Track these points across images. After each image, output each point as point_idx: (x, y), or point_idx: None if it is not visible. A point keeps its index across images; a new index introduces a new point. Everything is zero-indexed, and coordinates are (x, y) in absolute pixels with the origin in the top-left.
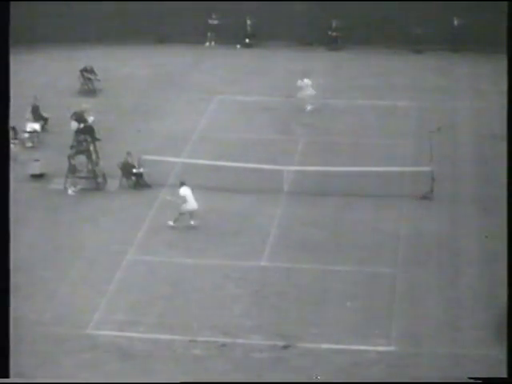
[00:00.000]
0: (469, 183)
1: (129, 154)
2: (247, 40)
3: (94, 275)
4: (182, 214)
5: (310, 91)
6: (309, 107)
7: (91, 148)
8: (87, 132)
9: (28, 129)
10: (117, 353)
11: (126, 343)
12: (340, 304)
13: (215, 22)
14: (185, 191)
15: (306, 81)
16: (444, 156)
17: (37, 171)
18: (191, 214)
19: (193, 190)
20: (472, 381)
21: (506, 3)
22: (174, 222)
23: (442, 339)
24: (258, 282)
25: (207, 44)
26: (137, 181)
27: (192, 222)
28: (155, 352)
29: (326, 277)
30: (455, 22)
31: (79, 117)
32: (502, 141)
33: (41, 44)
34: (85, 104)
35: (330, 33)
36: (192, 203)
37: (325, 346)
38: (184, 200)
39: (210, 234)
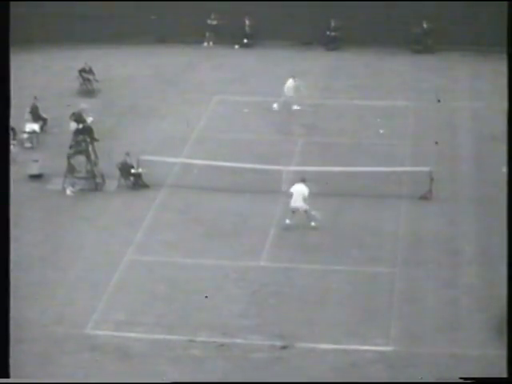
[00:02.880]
0: (468, 183)
1: (127, 154)
2: (246, 40)
3: (92, 275)
4: (292, 211)
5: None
6: (276, 105)
7: (90, 148)
8: (86, 132)
9: (27, 129)
10: (116, 353)
11: (124, 343)
12: (339, 304)
13: (214, 22)
14: (294, 188)
15: (291, 81)
16: (443, 156)
17: (35, 171)
18: (307, 214)
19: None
20: (468, 381)
21: (506, 3)
22: (314, 221)
23: (441, 339)
24: (257, 282)
25: (206, 44)
26: (135, 181)
27: (312, 223)
28: (154, 352)
29: (325, 277)
30: (424, 26)
31: (78, 117)
32: (502, 141)
33: (40, 44)
34: (83, 104)
35: (328, 33)
36: (293, 201)
37: (323, 345)
38: (290, 196)
39: (209, 234)
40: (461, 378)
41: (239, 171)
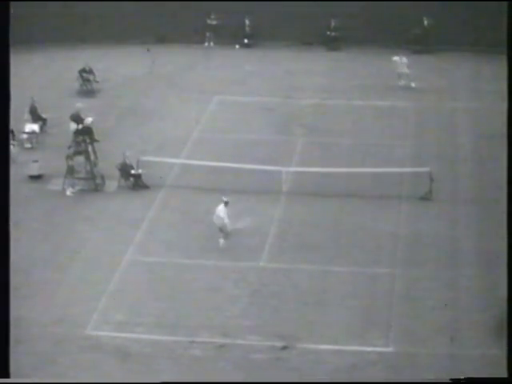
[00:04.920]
0: (468, 183)
1: (127, 154)
2: (246, 40)
3: (92, 276)
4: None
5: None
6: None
7: (90, 149)
8: (86, 133)
9: (26, 130)
10: (116, 353)
11: (125, 344)
12: (339, 304)
13: (214, 22)
14: (217, 208)
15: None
16: (443, 156)
17: (35, 172)
18: (223, 231)
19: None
20: (461, 381)
21: (506, 3)
22: (224, 239)
23: (440, 340)
24: (257, 283)
25: (206, 44)
26: (135, 182)
27: (221, 241)
28: (154, 353)
29: (325, 277)
30: (425, 23)
31: (76, 117)
32: (502, 141)
33: (40, 44)
34: (79, 104)
35: (329, 33)
36: (214, 219)
37: (323, 346)
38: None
39: (209, 235)
40: (451, 380)
41: (239, 171)
